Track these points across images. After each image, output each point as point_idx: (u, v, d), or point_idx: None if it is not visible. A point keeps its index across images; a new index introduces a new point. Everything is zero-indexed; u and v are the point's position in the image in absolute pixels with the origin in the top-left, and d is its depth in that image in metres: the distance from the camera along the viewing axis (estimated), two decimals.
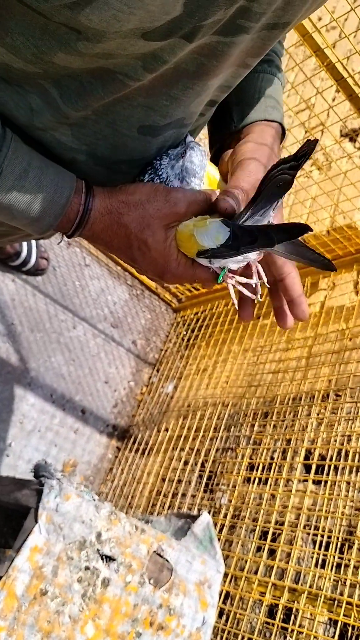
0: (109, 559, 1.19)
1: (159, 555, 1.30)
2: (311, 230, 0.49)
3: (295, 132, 2.40)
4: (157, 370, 2.48)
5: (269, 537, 1.47)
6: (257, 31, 0.50)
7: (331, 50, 1.11)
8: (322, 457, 1.50)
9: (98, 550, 1.17)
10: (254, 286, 0.58)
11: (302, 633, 1.24)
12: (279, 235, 0.50)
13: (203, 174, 0.61)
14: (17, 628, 1.03)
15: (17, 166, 0.52)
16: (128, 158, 0.61)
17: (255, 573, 1.43)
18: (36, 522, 1.10)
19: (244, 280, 0.58)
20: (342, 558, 1.30)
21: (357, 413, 1.50)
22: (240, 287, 0.58)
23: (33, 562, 1.07)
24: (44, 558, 1.08)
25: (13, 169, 0.52)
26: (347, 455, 1.43)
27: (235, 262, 0.56)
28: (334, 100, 2.29)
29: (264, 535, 1.51)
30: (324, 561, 1.33)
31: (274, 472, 1.58)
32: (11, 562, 1.04)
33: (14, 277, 2.12)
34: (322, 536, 1.36)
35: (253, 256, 0.56)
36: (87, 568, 1.14)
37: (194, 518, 1.54)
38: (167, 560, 1.31)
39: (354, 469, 1.40)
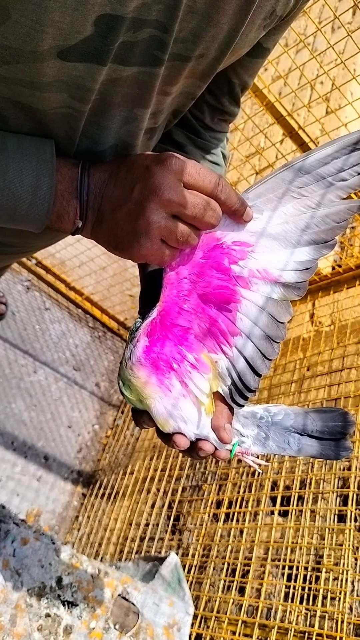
0: (70, 604, 1.14)
1: (124, 598, 1.25)
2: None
3: (245, 172, 2.49)
4: (122, 412, 2.45)
5: (238, 574, 1.44)
6: (170, 61, 0.54)
7: (268, 90, 1.18)
8: (287, 487, 1.49)
9: (59, 595, 1.12)
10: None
11: None
12: None
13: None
14: None
15: None
16: None
17: (226, 612, 1.39)
18: None
19: (252, 458, 0.68)
20: (310, 589, 1.28)
21: None
22: (249, 460, 0.68)
23: None
24: (0, 607, 1.03)
25: None
26: (310, 483, 1.43)
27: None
28: (281, 142, 2.40)
29: (232, 572, 1.47)
30: (293, 594, 1.31)
31: (241, 506, 1.56)
32: None
33: None
34: (291, 568, 1.34)
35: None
36: (47, 615, 1.09)
37: (162, 560, 1.50)
38: (133, 604, 1.26)
39: (318, 496, 1.40)
